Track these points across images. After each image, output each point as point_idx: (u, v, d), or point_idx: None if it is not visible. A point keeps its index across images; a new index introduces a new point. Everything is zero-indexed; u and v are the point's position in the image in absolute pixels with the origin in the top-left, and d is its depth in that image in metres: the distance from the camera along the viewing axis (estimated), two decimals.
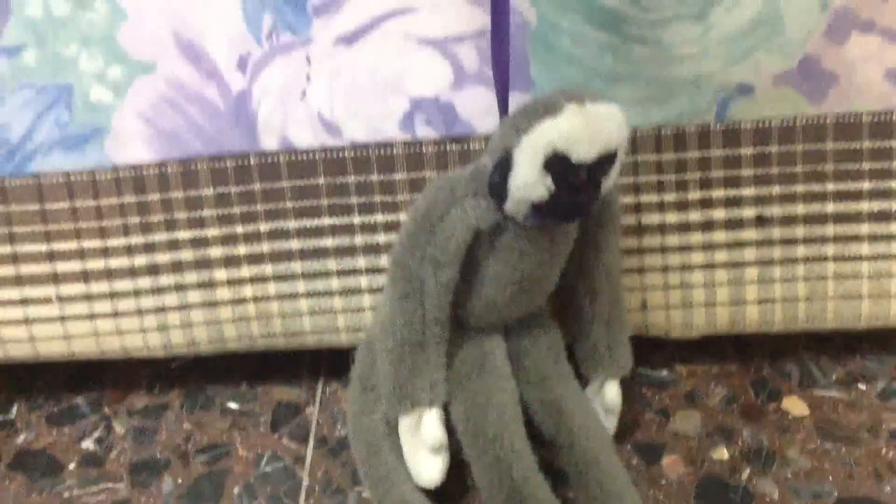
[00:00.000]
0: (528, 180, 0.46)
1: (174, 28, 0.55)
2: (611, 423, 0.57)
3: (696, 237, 0.59)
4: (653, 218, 0.59)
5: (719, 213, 0.58)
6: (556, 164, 0.45)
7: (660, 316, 0.60)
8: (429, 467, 0.52)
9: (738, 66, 0.56)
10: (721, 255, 0.59)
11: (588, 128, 0.45)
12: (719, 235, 0.59)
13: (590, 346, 0.56)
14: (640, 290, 0.60)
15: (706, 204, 0.58)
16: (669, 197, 0.58)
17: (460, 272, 0.51)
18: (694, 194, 0.58)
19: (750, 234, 0.59)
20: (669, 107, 0.57)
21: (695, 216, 0.58)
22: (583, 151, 0.45)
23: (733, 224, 0.59)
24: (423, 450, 0.52)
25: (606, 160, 0.46)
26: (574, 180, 0.46)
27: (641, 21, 0.56)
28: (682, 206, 0.58)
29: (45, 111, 0.56)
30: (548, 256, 0.51)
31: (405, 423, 0.52)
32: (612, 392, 0.57)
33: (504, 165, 0.46)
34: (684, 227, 0.59)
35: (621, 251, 0.57)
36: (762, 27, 0.55)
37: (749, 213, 0.58)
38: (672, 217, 0.59)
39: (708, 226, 0.59)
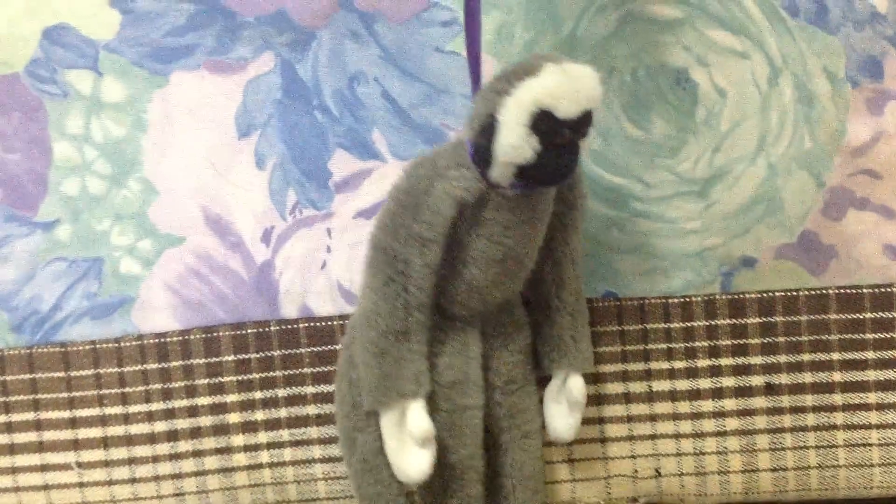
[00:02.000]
0: (515, 142, 0.47)
1: (203, 204, 0.60)
2: (575, 419, 0.58)
3: (707, 404, 0.61)
4: (664, 385, 0.62)
5: (729, 381, 0.61)
6: (542, 122, 0.47)
7: (674, 483, 0.62)
8: (417, 461, 0.51)
9: (741, 240, 0.60)
10: (732, 423, 0.62)
11: (570, 84, 0.46)
12: (730, 403, 0.61)
13: (555, 337, 0.57)
14: (653, 456, 0.62)
15: (715, 371, 0.61)
16: (679, 364, 0.61)
17: (443, 253, 0.51)
18: (703, 362, 0.61)
19: (760, 401, 0.61)
20: (675, 278, 0.60)
21: (705, 384, 0.61)
22: (567, 107, 0.46)
23: (743, 392, 0.61)
24: (410, 443, 0.52)
25: (587, 120, 0.48)
26: (559, 139, 0.47)
27: (646, 198, 0.60)
28: (692, 373, 0.61)
29: (75, 283, 0.60)
30: (530, 230, 0.51)
31: (389, 417, 0.52)
32: (577, 386, 0.57)
33: (489, 129, 0.48)
34: (695, 395, 0.61)
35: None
36: (761, 204, 0.60)
37: (758, 381, 0.61)
38: (682, 384, 0.61)
39: (718, 393, 0.61)
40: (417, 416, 0.50)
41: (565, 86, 0.47)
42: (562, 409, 0.58)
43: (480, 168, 0.49)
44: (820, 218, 0.60)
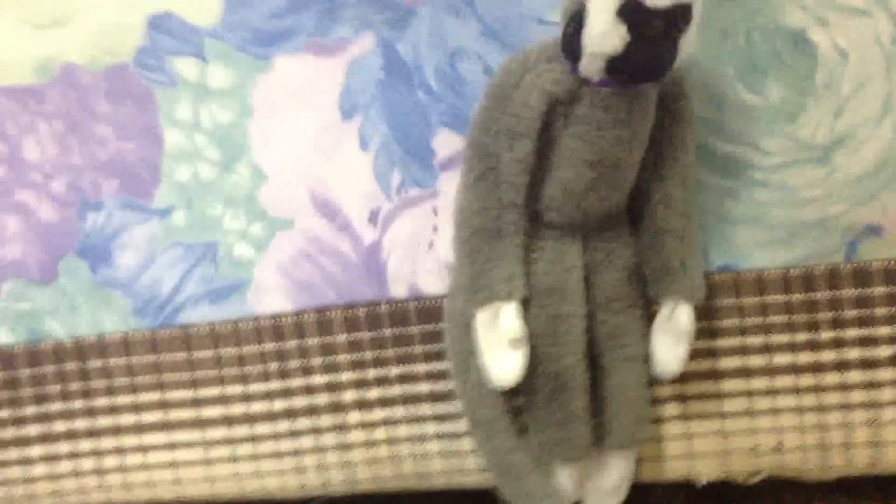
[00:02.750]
0: (603, 30, 0.46)
1: (310, 187, 0.61)
2: (682, 350, 0.56)
3: (831, 377, 0.60)
4: (785, 358, 0.60)
5: (853, 353, 0.59)
6: (631, 9, 0.46)
7: (796, 458, 0.61)
8: (507, 363, 0.52)
9: (865, 208, 0.58)
10: (857, 396, 0.60)
11: None
12: (854, 376, 0.60)
13: (663, 260, 0.56)
14: (775, 431, 0.61)
15: (839, 344, 0.59)
16: (801, 337, 0.60)
17: (536, 152, 0.51)
18: (826, 334, 0.59)
19: (886, 373, 0.59)
20: (796, 249, 0.59)
21: (828, 356, 0.60)
22: None
23: (868, 364, 0.59)
24: (501, 344, 0.52)
25: (682, 13, 0.47)
26: (649, 30, 0.47)
27: (763, 166, 0.58)
28: (814, 346, 0.60)
29: (192, 267, 0.62)
30: (626, 133, 0.51)
31: (482, 317, 0.53)
32: (684, 316, 0.56)
33: (577, 18, 0.47)
34: (818, 368, 0.60)
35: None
36: (887, 169, 0.57)
37: (885, 352, 0.59)
38: (805, 357, 0.60)
39: (843, 366, 0.59)
40: (509, 318, 0.52)
41: None
42: (668, 340, 0.57)
43: (571, 61, 0.49)
44: None
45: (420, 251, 0.61)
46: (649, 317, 0.58)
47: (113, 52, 0.61)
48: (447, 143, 0.60)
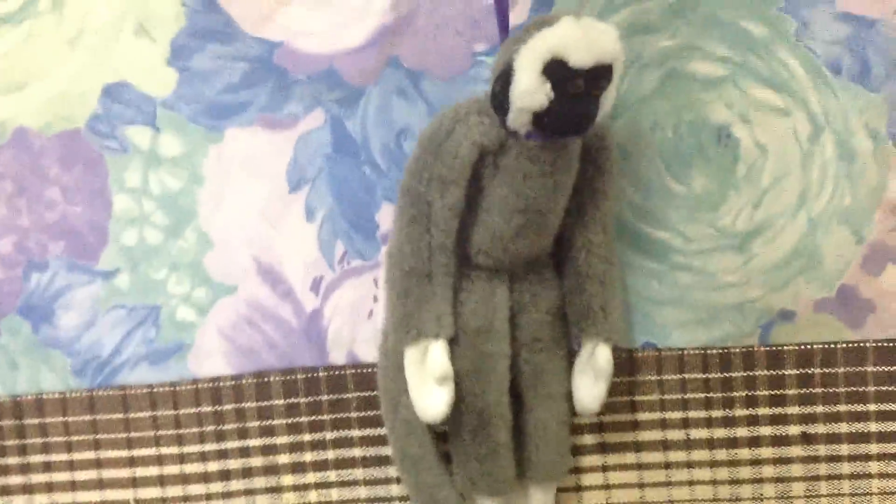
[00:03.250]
0: (529, 88, 0.50)
1: (255, 255, 0.63)
2: (600, 390, 0.59)
3: (744, 452, 0.63)
4: (701, 433, 0.63)
5: (766, 430, 0.63)
6: (555, 69, 0.50)
7: None
8: (435, 399, 0.55)
9: (780, 294, 0.62)
10: (769, 471, 0.63)
11: (584, 35, 0.50)
12: (766, 451, 0.63)
13: (584, 304, 0.59)
14: (690, 502, 0.64)
15: (752, 421, 0.63)
16: (717, 413, 0.63)
17: (466, 198, 0.54)
18: (741, 411, 0.63)
19: (796, 450, 0.63)
20: (715, 330, 0.62)
21: (742, 432, 0.63)
22: (579, 56, 0.49)
23: (780, 441, 0.63)
24: (429, 381, 0.55)
25: (603, 73, 0.51)
26: (572, 88, 0.50)
27: (686, 251, 0.62)
28: (729, 422, 0.63)
29: (134, 329, 0.64)
30: (551, 182, 0.54)
31: (411, 355, 0.55)
32: (603, 357, 0.59)
33: (505, 76, 0.51)
34: (732, 443, 0.63)
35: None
36: (801, 258, 0.61)
37: (795, 430, 0.63)
38: (720, 432, 0.63)
39: (755, 441, 0.63)
40: (436, 356, 0.54)
41: (578, 36, 0.49)
42: (588, 380, 0.60)
43: (500, 115, 0.52)
44: (859, 272, 0.62)
45: (360, 319, 0.64)
46: (571, 356, 0.61)
47: (66, 118, 0.63)
48: (391, 217, 0.63)
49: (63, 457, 0.65)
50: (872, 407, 0.63)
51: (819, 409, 0.63)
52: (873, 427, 0.63)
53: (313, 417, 0.65)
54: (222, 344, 0.64)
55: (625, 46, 0.53)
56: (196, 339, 0.64)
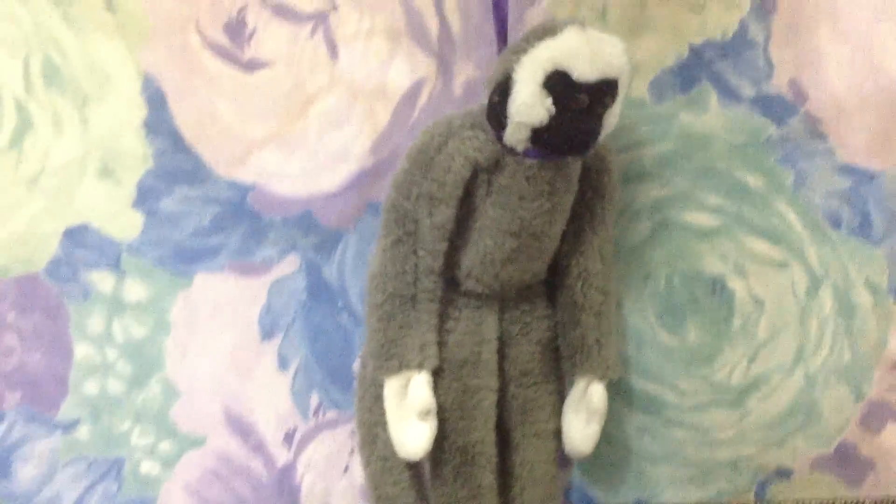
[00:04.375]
0: (528, 100, 0.46)
1: (225, 405, 0.60)
2: (593, 429, 0.55)
3: None
4: None
5: None
6: (557, 82, 0.46)
7: None
8: (415, 434, 0.51)
9: (776, 451, 0.59)
10: None
11: (589, 47, 0.46)
12: None
13: (578, 337, 0.55)
14: None
15: None
16: None
17: (456, 219, 0.50)
18: None
19: None
20: (709, 487, 0.60)
21: None
22: (583, 69, 0.46)
23: None
24: (410, 415, 0.51)
25: (608, 88, 0.47)
26: (575, 103, 0.46)
27: (679, 406, 0.59)
28: None
29: (95, 483, 0.61)
30: (547, 205, 0.50)
31: (391, 386, 0.51)
32: (597, 395, 0.55)
33: (503, 87, 0.47)
34: None
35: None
36: (798, 415, 0.59)
37: None
38: None
39: None
40: (419, 388, 0.50)
41: (583, 48, 0.46)
42: (580, 419, 0.55)
43: (496, 129, 0.49)
44: (858, 430, 0.59)
45: (335, 474, 0.61)
46: (562, 391, 0.57)
47: (25, 262, 0.60)
48: None
49: None
50: None
51: None
52: None
53: None
54: (189, 500, 0.61)
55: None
56: (161, 494, 0.61)
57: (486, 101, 0.49)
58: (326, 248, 0.60)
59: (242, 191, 0.59)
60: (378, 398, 0.52)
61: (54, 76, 0.58)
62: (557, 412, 0.56)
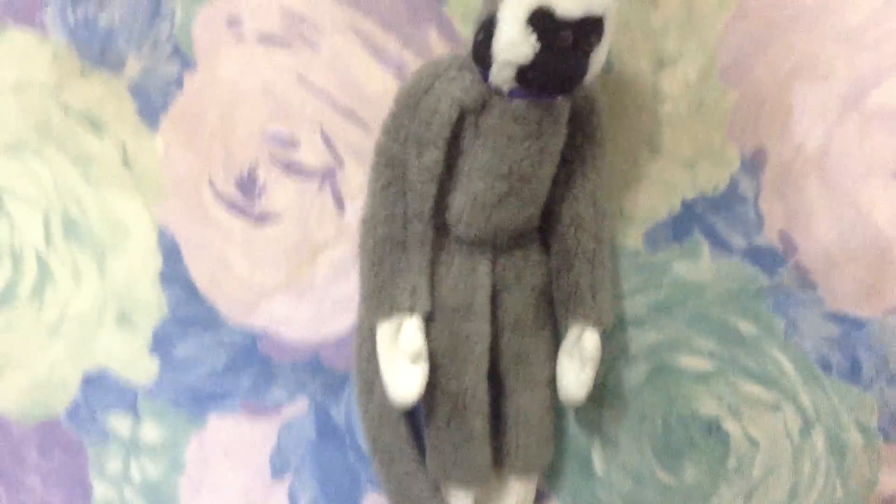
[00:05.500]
0: (513, 38, 0.45)
1: None
2: (587, 375, 0.55)
3: None
4: None
5: None
6: (541, 19, 0.44)
7: None
8: (407, 378, 0.50)
9: None
10: None
11: None
12: None
13: (572, 283, 0.54)
14: None
15: None
16: None
17: (446, 162, 0.50)
18: None
19: None
20: None
21: None
22: (567, 6, 0.44)
23: None
24: (402, 359, 0.51)
25: (593, 26, 0.46)
26: (559, 40, 0.46)
27: None
28: None
29: None
30: (536, 147, 0.49)
31: (384, 330, 0.51)
32: (591, 342, 0.54)
33: (488, 26, 0.47)
34: None
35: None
36: None
37: None
38: None
39: None
40: (410, 332, 0.50)
41: None
42: (574, 366, 0.55)
43: (481, 68, 0.48)
44: None
45: None
46: (556, 339, 0.57)
47: (46, 406, 0.62)
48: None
49: None
50: None
51: None
52: None
53: None
54: None
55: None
56: None
57: (472, 41, 0.49)
58: (334, 390, 0.62)
59: (253, 337, 0.62)
60: (374, 347, 0.52)
61: (73, 230, 0.61)
62: (552, 360, 0.56)
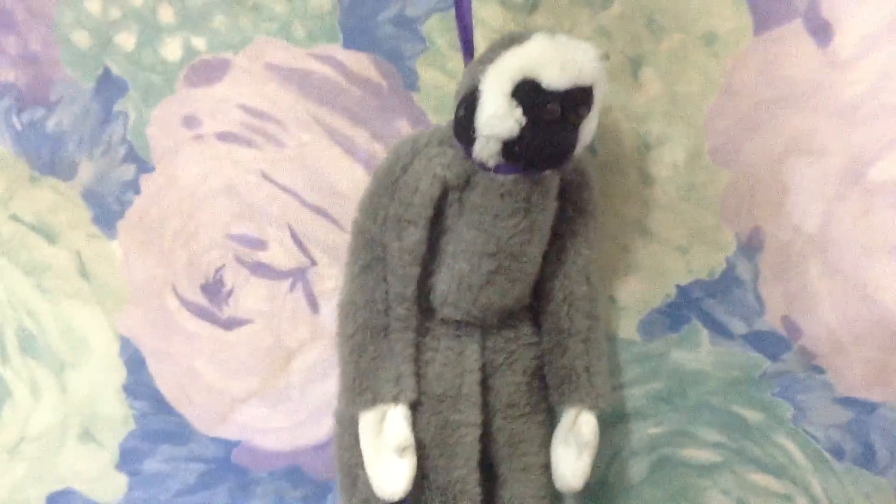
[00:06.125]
0: (497, 112, 0.43)
1: None
2: (584, 462, 0.52)
3: None
4: None
5: None
6: (526, 91, 0.42)
7: None
8: (394, 472, 0.47)
9: None
10: None
11: (558, 53, 0.43)
12: None
13: (566, 365, 0.51)
14: None
15: None
16: None
17: (428, 241, 0.47)
18: None
19: None
20: None
21: None
22: (553, 77, 0.42)
23: None
24: (387, 452, 0.47)
25: (582, 97, 0.44)
26: (546, 113, 0.43)
27: None
28: None
29: None
30: (524, 223, 0.47)
31: (367, 420, 0.47)
32: (588, 426, 0.51)
33: (470, 100, 0.44)
34: None
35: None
36: None
37: None
38: None
39: None
40: (396, 423, 0.47)
41: (552, 54, 0.43)
42: (570, 452, 0.52)
43: (464, 144, 0.45)
44: None
45: None
46: (550, 421, 0.54)
47: None
48: None
49: None
50: None
51: None
52: None
53: None
54: None
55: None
56: None
57: (453, 116, 0.46)
58: (315, 499, 0.59)
59: (227, 447, 0.58)
60: (356, 437, 0.48)
61: (30, 344, 0.58)
62: (546, 444, 0.53)
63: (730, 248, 0.56)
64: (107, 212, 0.56)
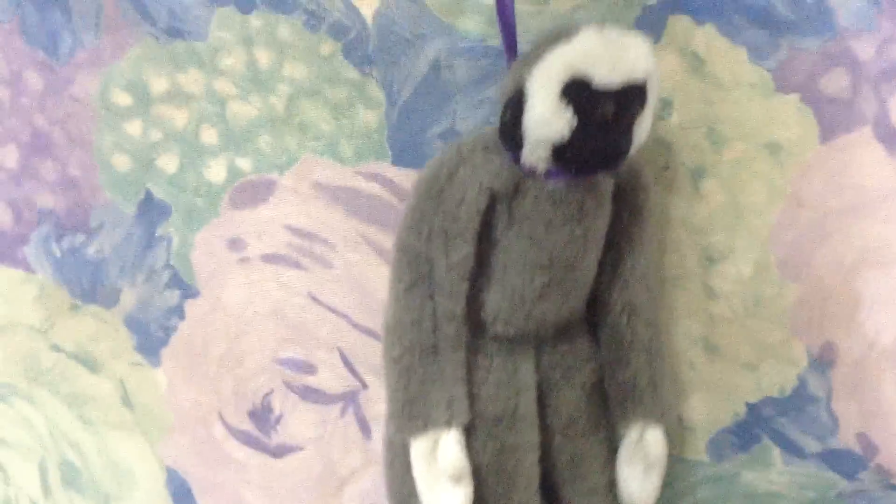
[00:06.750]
0: (546, 114, 0.40)
1: None
2: (653, 482, 0.48)
3: None
4: None
5: None
6: (576, 90, 0.39)
7: None
8: (449, 501, 0.44)
9: None
10: None
11: (609, 48, 0.39)
12: None
13: (629, 378, 0.48)
14: None
15: None
16: None
17: (477, 255, 0.44)
18: None
19: None
20: None
21: None
22: (605, 74, 0.39)
23: None
24: (442, 480, 0.44)
25: (635, 95, 0.41)
26: (599, 114, 0.40)
27: None
28: None
29: None
30: (578, 231, 0.44)
31: (419, 447, 0.44)
32: (655, 442, 0.48)
33: (516, 103, 0.40)
34: None
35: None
36: None
37: None
38: None
39: None
40: (450, 449, 0.43)
41: (603, 50, 0.39)
42: (637, 470, 0.49)
43: (511, 150, 0.42)
44: None
45: None
46: (614, 441, 0.50)
47: None
48: None
49: None
50: None
51: None
52: None
53: None
54: None
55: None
56: None
57: (498, 120, 0.43)
58: None
59: None
60: (407, 464, 0.45)
61: (73, 478, 0.56)
62: (610, 463, 0.49)
63: (801, 363, 0.53)
64: (150, 339, 0.54)
